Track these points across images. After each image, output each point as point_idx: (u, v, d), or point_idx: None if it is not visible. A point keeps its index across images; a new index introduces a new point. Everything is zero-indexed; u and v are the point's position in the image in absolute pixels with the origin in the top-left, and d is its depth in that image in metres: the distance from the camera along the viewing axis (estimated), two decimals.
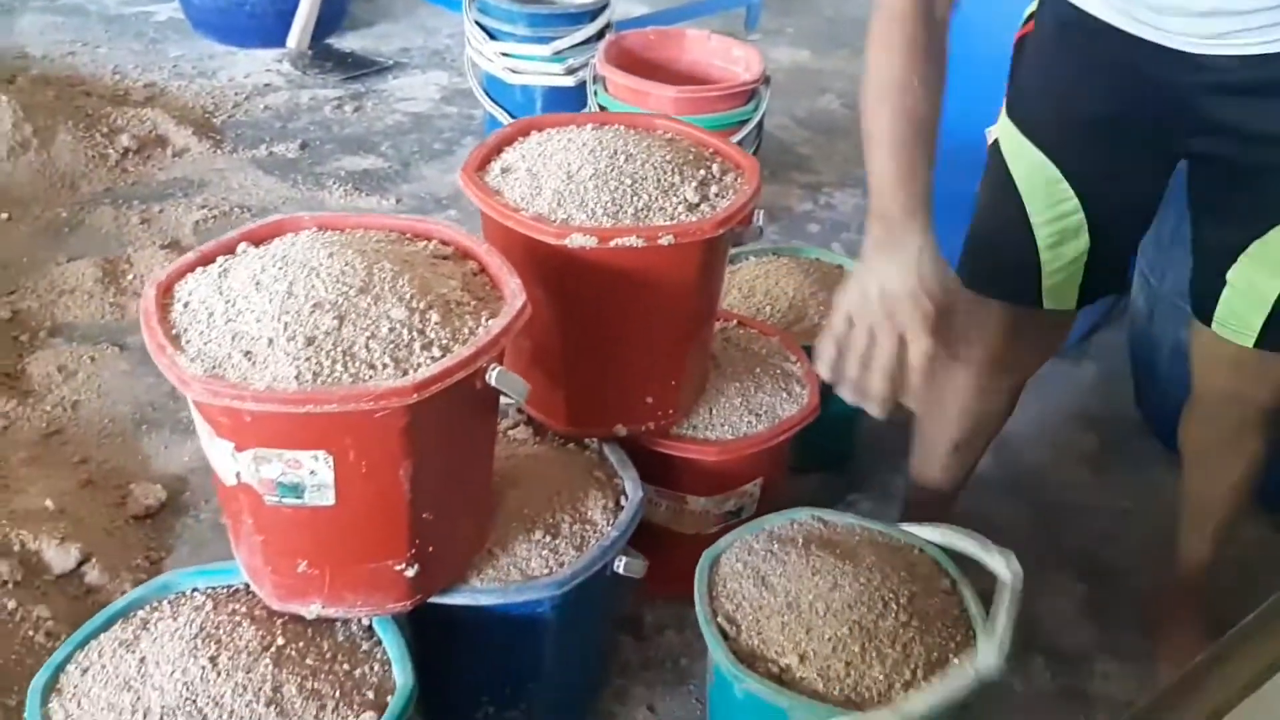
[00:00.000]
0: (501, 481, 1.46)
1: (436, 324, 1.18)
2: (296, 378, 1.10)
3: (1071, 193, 1.39)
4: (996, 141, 1.45)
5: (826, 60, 3.53)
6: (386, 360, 1.14)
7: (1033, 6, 1.42)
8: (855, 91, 1.22)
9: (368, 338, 1.14)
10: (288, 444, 1.13)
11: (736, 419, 1.66)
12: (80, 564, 1.74)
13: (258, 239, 1.31)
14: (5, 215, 2.66)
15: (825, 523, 1.53)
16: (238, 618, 1.27)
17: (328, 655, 1.26)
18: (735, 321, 1.86)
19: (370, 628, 1.31)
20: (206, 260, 1.27)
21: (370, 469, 1.16)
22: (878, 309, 1.12)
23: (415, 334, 1.17)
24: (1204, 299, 1.43)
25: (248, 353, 1.13)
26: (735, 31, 3.68)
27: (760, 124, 2.60)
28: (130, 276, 2.48)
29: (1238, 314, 1.39)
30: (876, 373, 1.12)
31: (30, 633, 1.60)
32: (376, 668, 1.27)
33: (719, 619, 1.39)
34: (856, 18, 2.34)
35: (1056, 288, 1.46)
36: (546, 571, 1.38)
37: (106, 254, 2.54)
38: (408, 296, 1.19)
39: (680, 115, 1.80)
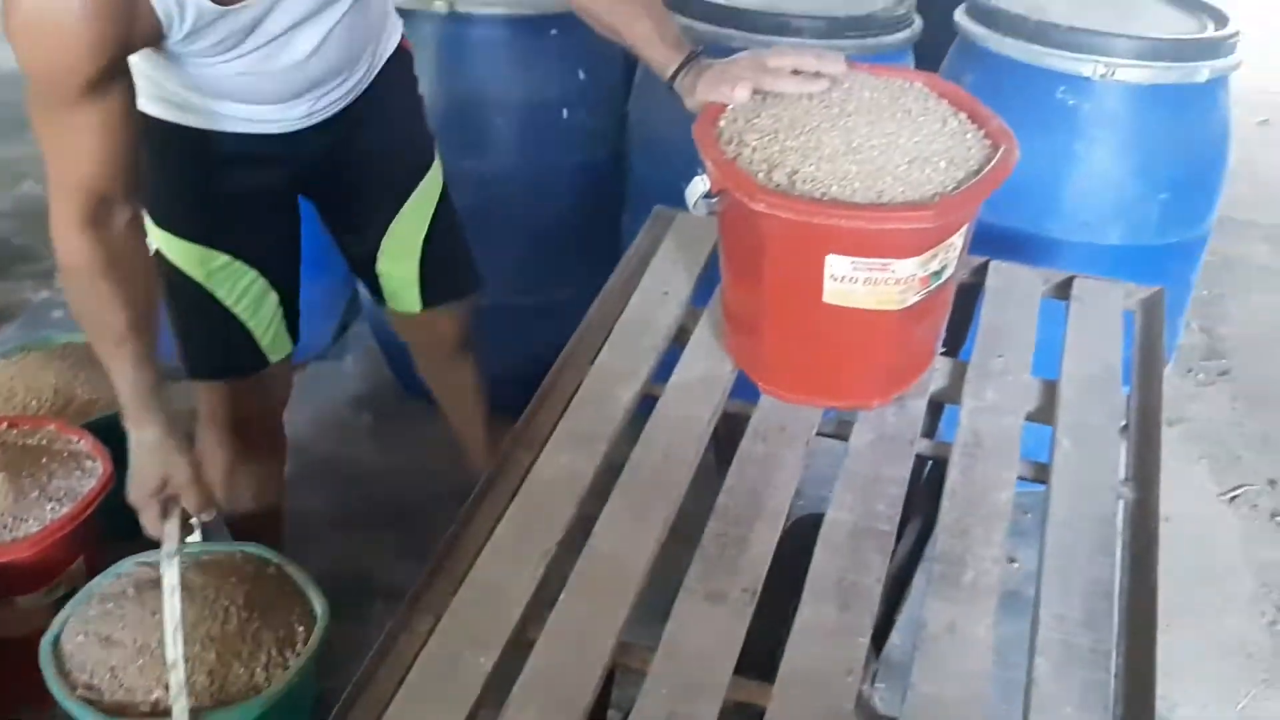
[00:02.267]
0: None
1: None
2: None
3: (245, 266, 1.57)
4: (159, 250, 1.52)
5: (14, 147, 3.44)
6: None
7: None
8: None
9: None
10: None
11: (40, 510, 1.74)
12: None
13: None
14: None
15: (150, 564, 1.66)
16: None
17: None
18: (5, 424, 1.91)
19: None
20: None
21: None
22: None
23: None
24: (373, 290, 1.80)
25: None
26: None
27: None
28: None
29: (399, 293, 1.78)
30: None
31: None
32: None
33: (79, 692, 1.48)
34: None
35: (272, 342, 1.66)
36: None
37: None
38: None
39: None
